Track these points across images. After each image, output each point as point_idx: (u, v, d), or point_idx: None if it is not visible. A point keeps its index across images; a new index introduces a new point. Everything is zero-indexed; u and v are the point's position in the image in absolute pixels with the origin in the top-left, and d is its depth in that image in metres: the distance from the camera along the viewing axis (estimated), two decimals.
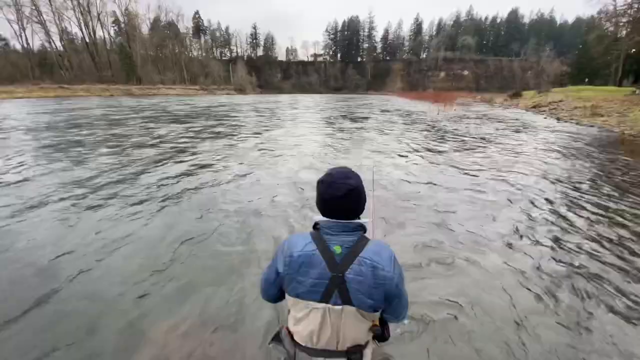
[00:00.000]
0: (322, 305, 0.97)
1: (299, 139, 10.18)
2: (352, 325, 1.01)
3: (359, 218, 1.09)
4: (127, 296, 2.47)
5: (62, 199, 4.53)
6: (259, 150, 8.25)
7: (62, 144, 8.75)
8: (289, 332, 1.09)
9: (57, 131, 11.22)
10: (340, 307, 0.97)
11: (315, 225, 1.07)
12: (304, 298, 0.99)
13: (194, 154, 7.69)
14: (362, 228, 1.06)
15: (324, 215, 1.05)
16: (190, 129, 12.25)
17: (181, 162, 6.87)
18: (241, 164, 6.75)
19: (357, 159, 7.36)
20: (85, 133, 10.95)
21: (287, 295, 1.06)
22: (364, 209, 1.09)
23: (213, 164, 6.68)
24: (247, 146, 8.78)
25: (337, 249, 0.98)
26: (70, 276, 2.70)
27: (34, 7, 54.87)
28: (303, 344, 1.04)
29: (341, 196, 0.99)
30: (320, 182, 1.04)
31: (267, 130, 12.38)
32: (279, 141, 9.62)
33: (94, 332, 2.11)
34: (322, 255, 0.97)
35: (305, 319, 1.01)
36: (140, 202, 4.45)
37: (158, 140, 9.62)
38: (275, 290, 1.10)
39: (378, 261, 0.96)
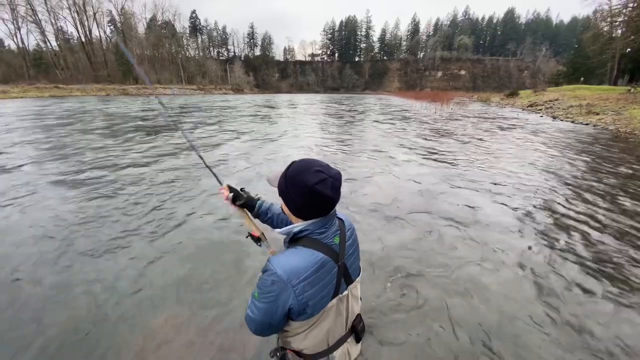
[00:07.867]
0: (334, 301, 0.93)
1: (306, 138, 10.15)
2: (356, 299, 1.04)
3: None
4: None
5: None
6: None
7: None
8: (297, 353, 0.98)
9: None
10: (346, 291, 0.97)
11: (297, 235, 0.94)
12: (318, 311, 0.90)
13: None
14: None
15: (310, 217, 0.92)
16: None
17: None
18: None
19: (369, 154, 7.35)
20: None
21: (295, 322, 0.92)
22: None
23: None
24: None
25: (337, 240, 0.94)
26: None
27: (29, 6, 54.42)
28: (317, 352, 0.96)
29: (339, 187, 0.91)
30: (321, 182, 0.86)
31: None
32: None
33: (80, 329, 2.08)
34: (327, 255, 0.90)
35: (318, 327, 0.93)
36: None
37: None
38: (282, 324, 0.92)
39: (350, 225, 1.05)
